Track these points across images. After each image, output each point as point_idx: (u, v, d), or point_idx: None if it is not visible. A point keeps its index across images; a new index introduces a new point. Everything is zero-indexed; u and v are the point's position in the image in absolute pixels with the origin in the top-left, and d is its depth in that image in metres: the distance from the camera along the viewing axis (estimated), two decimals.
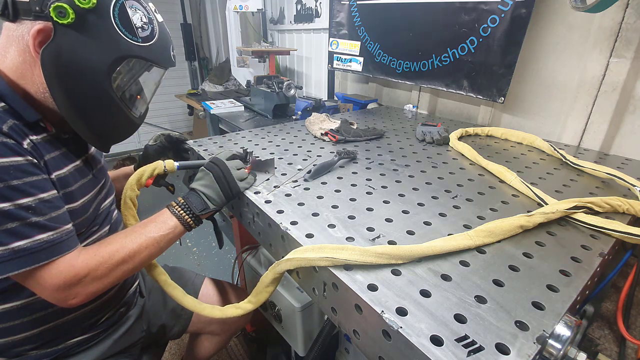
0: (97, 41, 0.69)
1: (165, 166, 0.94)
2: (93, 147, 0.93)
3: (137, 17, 0.73)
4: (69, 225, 0.72)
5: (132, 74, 0.79)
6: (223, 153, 0.90)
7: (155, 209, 0.81)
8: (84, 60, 0.69)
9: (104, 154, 0.99)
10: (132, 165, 1.15)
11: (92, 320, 0.91)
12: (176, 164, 0.94)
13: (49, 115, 0.76)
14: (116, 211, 1.02)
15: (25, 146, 0.67)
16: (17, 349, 0.80)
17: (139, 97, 0.87)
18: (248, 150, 0.99)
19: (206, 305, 0.89)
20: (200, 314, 0.89)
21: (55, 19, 0.64)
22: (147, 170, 0.92)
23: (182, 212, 0.81)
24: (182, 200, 0.83)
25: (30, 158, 0.67)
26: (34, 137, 0.71)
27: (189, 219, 0.82)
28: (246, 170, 0.92)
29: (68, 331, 0.86)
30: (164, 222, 0.80)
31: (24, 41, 0.68)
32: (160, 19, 0.80)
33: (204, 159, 0.96)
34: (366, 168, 1.08)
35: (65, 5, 0.64)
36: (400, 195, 0.90)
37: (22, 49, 0.69)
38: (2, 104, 0.68)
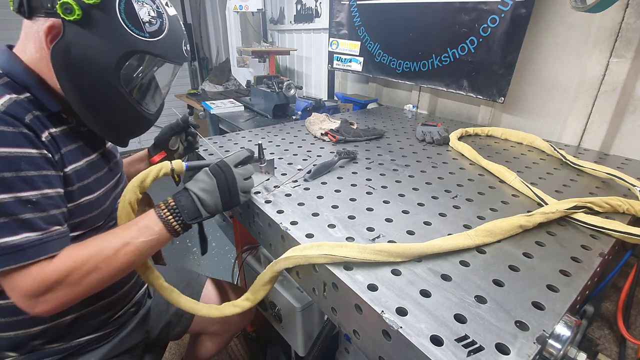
0: (103, 37, 0.69)
1: (172, 167, 0.83)
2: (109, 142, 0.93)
3: (144, 12, 0.72)
4: (64, 227, 0.70)
5: (142, 69, 0.78)
6: (231, 157, 0.82)
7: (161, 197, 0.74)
8: (91, 56, 0.70)
9: (118, 149, 0.98)
10: (147, 149, 1.13)
11: (105, 316, 0.91)
12: (185, 164, 0.84)
13: (69, 107, 0.76)
14: None
15: (44, 139, 0.68)
16: (32, 342, 0.80)
17: (151, 92, 0.86)
18: (262, 147, 0.97)
19: (203, 305, 0.86)
20: (198, 314, 0.86)
21: (62, 15, 0.65)
22: (152, 171, 0.81)
23: (170, 217, 0.74)
24: (173, 203, 0.75)
25: (45, 152, 0.68)
26: (53, 130, 0.72)
27: (177, 226, 0.74)
28: (260, 172, 0.89)
29: (83, 326, 0.87)
30: (148, 226, 0.73)
31: (39, 37, 0.69)
32: (172, 12, 0.79)
33: (205, 160, 0.91)
34: (366, 168, 1.08)
35: (71, 2, 0.65)
36: (400, 195, 0.90)
37: (39, 45, 0.71)
38: (27, 94, 0.70)
